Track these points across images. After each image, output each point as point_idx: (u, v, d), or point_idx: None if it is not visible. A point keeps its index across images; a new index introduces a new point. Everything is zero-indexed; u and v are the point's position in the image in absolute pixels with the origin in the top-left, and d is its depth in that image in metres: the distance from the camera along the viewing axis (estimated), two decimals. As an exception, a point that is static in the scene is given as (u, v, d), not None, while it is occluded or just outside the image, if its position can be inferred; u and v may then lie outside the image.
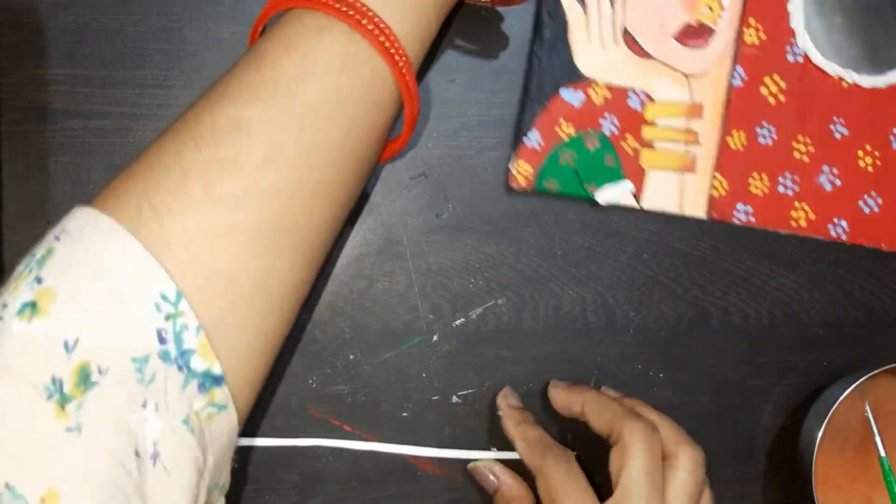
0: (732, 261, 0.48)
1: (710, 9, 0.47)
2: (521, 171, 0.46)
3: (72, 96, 0.45)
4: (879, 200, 0.48)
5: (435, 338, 0.47)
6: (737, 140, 0.47)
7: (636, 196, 0.47)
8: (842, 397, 0.44)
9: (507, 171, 0.46)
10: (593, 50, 0.46)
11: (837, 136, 0.48)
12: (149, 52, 0.45)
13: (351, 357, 0.46)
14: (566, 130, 0.46)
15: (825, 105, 0.48)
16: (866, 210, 0.48)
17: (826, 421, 0.44)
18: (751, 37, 0.47)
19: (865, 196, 0.48)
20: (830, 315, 0.49)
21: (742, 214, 0.47)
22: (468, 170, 0.46)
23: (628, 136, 0.47)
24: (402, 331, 0.46)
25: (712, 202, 0.47)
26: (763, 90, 0.48)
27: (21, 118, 0.44)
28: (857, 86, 0.48)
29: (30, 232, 0.45)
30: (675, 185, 0.47)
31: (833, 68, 0.48)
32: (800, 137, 0.48)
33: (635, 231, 0.47)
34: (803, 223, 0.48)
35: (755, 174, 0.47)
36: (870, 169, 0.48)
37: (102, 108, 0.45)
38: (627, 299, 0.47)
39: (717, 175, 0.47)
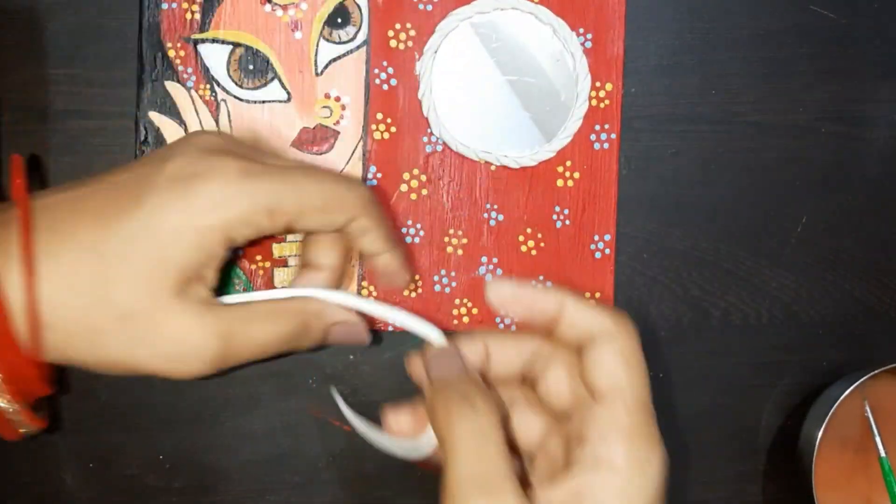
0: (732, 261, 0.48)
1: (330, 110, 0.45)
2: None
3: (72, 96, 0.45)
4: (549, 284, 0.46)
5: (435, 338, 0.47)
6: None
7: None
8: (842, 397, 0.44)
9: None
10: None
11: (493, 223, 0.46)
12: (149, 52, 0.45)
13: (351, 357, 0.46)
14: None
15: (475, 192, 0.46)
16: None
17: (826, 421, 0.44)
18: (380, 133, 0.46)
19: (533, 282, 0.45)
20: (830, 315, 0.49)
21: None
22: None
23: (258, 256, 0.45)
24: (403, 331, 0.46)
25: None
26: (403, 187, 0.46)
27: (21, 118, 0.45)
28: (504, 167, 0.46)
29: (30, 232, 0.45)
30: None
31: (476, 153, 0.46)
32: (451, 231, 0.46)
33: (635, 231, 0.47)
34: (467, 319, 0.46)
35: None
36: (533, 253, 0.46)
37: (102, 108, 0.45)
38: (627, 299, 0.47)
39: (365, 284, 0.45)
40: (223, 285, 0.45)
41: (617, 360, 0.34)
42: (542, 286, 0.37)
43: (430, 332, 0.41)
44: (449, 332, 0.46)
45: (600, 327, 0.35)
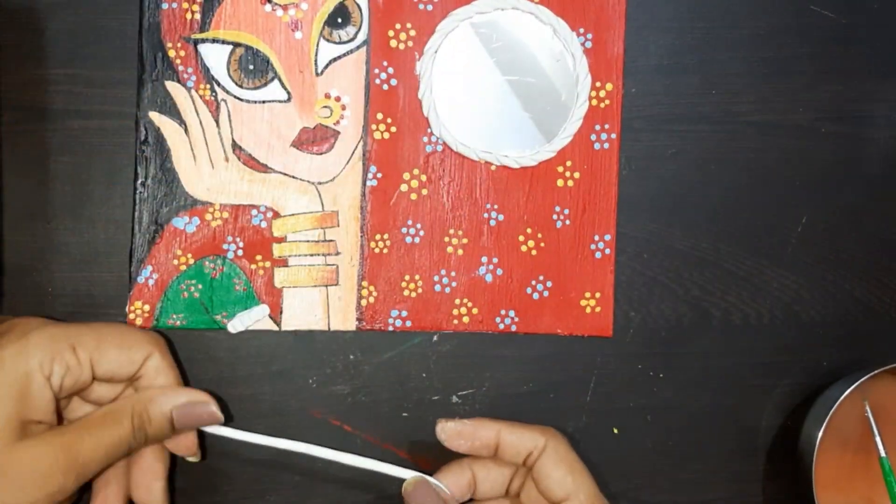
0: (732, 261, 0.48)
1: (330, 110, 0.45)
2: (139, 312, 0.45)
3: (72, 96, 0.45)
4: (549, 284, 0.46)
5: (435, 338, 0.47)
6: (381, 243, 0.46)
7: (274, 319, 0.45)
8: (842, 397, 0.44)
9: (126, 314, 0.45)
10: (202, 172, 0.45)
11: (493, 223, 0.46)
12: (149, 52, 0.45)
13: (351, 357, 0.46)
14: (183, 260, 0.45)
15: (475, 192, 0.46)
16: (535, 296, 0.46)
17: (826, 421, 0.44)
18: (380, 133, 0.46)
19: (533, 282, 0.46)
20: (830, 315, 0.49)
21: (397, 320, 0.46)
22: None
23: (258, 256, 0.45)
24: (403, 331, 0.46)
25: (363, 312, 0.46)
26: (403, 187, 0.46)
27: (21, 118, 0.44)
28: (505, 167, 0.46)
29: (30, 232, 0.45)
30: (318, 300, 0.45)
31: (476, 153, 0.46)
32: (451, 231, 0.46)
33: (635, 231, 0.47)
34: (466, 319, 0.46)
35: (407, 276, 0.46)
36: (534, 253, 0.46)
37: (102, 108, 0.45)
38: (627, 299, 0.47)
39: (365, 283, 0.46)
40: (223, 286, 0.45)
41: (560, 469, 0.41)
42: (479, 421, 0.42)
43: (404, 473, 0.42)
44: (449, 334, 0.46)
45: (534, 443, 0.41)
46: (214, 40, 0.45)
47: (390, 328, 0.46)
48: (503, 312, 0.46)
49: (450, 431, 0.42)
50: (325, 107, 0.46)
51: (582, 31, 0.46)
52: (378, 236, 0.46)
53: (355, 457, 0.42)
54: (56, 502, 0.38)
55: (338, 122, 0.46)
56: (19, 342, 0.38)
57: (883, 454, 0.46)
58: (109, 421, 0.39)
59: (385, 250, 0.46)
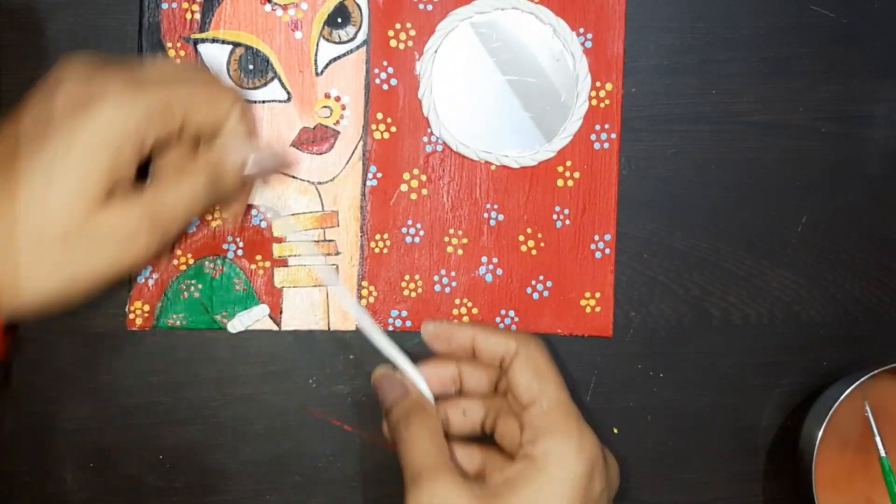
0: (732, 261, 0.48)
1: (330, 109, 0.45)
2: (139, 312, 0.45)
3: (72, 96, 0.45)
4: (549, 284, 0.46)
5: (435, 338, 0.47)
6: (381, 243, 0.46)
7: (274, 319, 0.45)
8: (842, 397, 0.44)
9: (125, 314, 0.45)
10: None
11: (493, 223, 0.46)
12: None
13: (351, 357, 0.46)
14: (183, 260, 0.45)
15: (475, 192, 0.46)
16: (535, 296, 0.46)
17: (826, 421, 0.44)
18: (380, 133, 0.46)
19: (532, 282, 0.46)
20: (830, 315, 0.49)
21: (397, 320, 0.46)
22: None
23: (258, 256, 0.45)
24: (402, 330, 0.46)
25: None
26: (403, 187, 0.46)
27: (21, 118, 0.44)
28: (505, 167, 0.46)
29: (30, 232, 0.45)
30: (317, 300, 0.45)
31: (476, 152, 0.46)
32: (451, 231, 0.46)
33: (635, 231, 0.47)
34: (467, 319, 0.46)
35: (407, 276, 0.46)
36: (534, 253, 0.46)
37: (102, 107, 0.45)
38: (627, 299, 0.47)
39: (365, 283, 0.46)
40: (223, 286, 0.45)
41: (527, 374, 0.40)
42: (457, 324, 0.44)
43: (416, 379, 0.43)
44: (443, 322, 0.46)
45: (506, 348, 0.41)
46: (214, 40, 0.45)
47: (390, 328, 0.46)
48: (503, 312, 0.46)
49: (430, 332, 0.43)
50: (325, 107, 0.46)
51: (582, 30, 0.46)
52: (378, 236, 0.46)
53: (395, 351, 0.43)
54: (140, 263, 0.39)
55: (338, 122, 0.46)
56: (118, 99, 0.36)
57: (883, 454, 0.46)
58: (186, 178, 0.39)
59: (385, 250, 0.46)
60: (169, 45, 0.45)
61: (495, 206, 0.46)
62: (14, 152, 0.36)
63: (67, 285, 0.37)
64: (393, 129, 0.46)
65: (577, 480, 0.38)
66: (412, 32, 0.46)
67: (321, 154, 0.46)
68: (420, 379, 0.42)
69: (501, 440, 0.42)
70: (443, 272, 0.46)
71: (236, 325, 0.45)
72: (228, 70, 0.45)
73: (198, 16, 0.45)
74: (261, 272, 0.45)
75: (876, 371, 0.45)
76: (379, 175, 0.46)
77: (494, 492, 0.38)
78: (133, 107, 0.37)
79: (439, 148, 0.46)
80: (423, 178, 0.46)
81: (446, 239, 0.46)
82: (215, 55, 0.45)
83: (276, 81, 0.45)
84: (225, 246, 0.45)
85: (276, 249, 0.45)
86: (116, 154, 0.36)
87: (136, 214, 0.37)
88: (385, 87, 0.46)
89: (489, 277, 0.46)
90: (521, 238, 0.47)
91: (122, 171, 0.37)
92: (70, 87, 0.37)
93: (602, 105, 0.47)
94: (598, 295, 0.47)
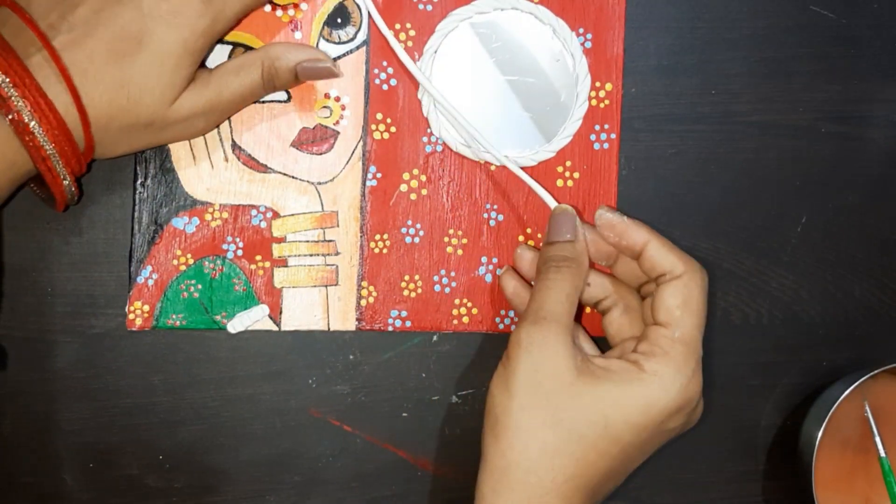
0: (732, 261, 0.48)
1: (330, 110, 0.45)
2: (139, 312, 0.45)
3: (72, 96, 0.45)
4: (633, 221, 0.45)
5: (435, 338, 0.47)
6: (380, 243, 0.46)
7: (274, 319, 0.45)
8: (842, 397, 0.44)
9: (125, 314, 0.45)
10: (202, 172, 0.45)
11: (493, 223, 0.46)
12: (149, 52, 0.44)
13: (351, 357, 0.46)
14: (183, 261, 0.45)
15: (475, 193, 0.46)
16: None
17: (826, 421, 0.44)
18: (380, 133, 0.46)
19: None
20: (830, 315, 0.49)
21: (397, 321, 0.46)
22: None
23: (258, 256, 0.45)
24: (402, 331, 0.46)
25: (362, 312, 0.46)
26: (403, 187, 0.46)
27: (21, 118, 0.44)
28: (505, 167, 0.46)
29: (30, 232, 0.45)
30: (317, 300, 0.46)
31: (476, 153, 0.46)
32: (451, 231, 0.46)
33: (635, 231, 0.47)
34: (466, 320, 0.46)
35: (407, 276, 0.46)
36: None
37: (102, 108, 0.45)
38: (627, 299, 0.47)
39: (364, 284, 0.46)
40: (223, 287, 0.45)
41: (675, 301, 0.41)
42: (636, 223, 0.43)
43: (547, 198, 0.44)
44: (449, 334, 0.46)
45: (672, 267, 0.42)
46: None
47: (390, 328, 0.46)
48: (503, 312, 0.46)
49: (605, 220, 0.43)
50: (325, 107, 0.46)
51: (581, 31, 0.46)
52: (378, 236, 0.46)
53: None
54: (193, 138, 0.45)
55: (337, 122, 0.46)
56: (192, 4, 0.41)
57: (882, 454, 0.46)
58: (244, 72, 0.43)
59: (385, 250, 0.46)
60: None
61: (495, 207, 0.46)
62: (114, 48, 0.40)
63: (133, 150, 0.43)
64: (393, 129, 0.46)
65: (662, 411, 0.40)
66: (412, 32, 0.46)
67: (321, 154, 0.46)
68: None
69: (608, 327, 0.44)
70: (443, 272, 0.46)
71: (236, 325, 0.45)
72: None
73: None
74: (260, 272, 0.45)
75: (876, 371, 0.45)
76: (379, 175, 0.46)
77: (592, 370, 0.40)
78: (215, 20, 0.41)
79: (439, 148, 0.46)
80: (423, 178, 0.46)
81: (446, 239, 0.46)
82: (215, 55, 0.45)
83: None
84: (225, 246, 0.45)
85: (276, 250, 0.45)
86: (192, 51, 0.41)
87: (201, 104, 0.42)
88: (385, 87, 0.46)
89: (489, 278, 0.46)
90: (521, 238, 0.47)
91: (196, 64, 0.42)
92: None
93: (602, 105, 0.46)
94: None
